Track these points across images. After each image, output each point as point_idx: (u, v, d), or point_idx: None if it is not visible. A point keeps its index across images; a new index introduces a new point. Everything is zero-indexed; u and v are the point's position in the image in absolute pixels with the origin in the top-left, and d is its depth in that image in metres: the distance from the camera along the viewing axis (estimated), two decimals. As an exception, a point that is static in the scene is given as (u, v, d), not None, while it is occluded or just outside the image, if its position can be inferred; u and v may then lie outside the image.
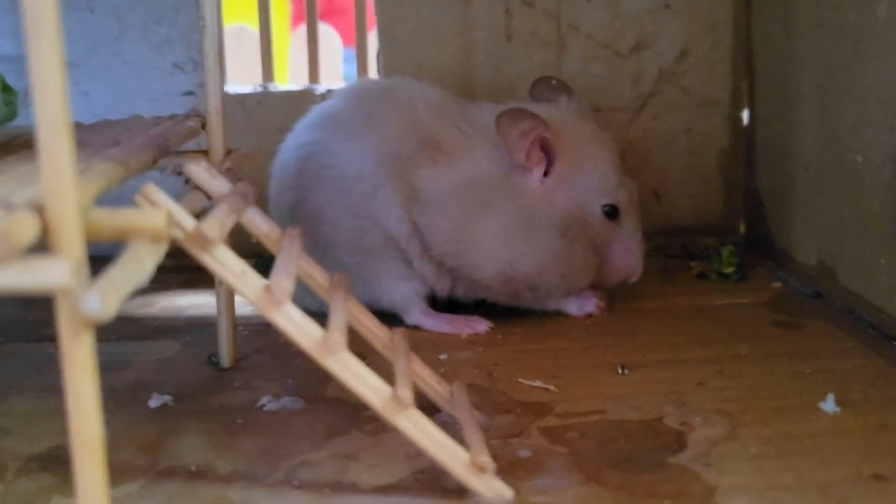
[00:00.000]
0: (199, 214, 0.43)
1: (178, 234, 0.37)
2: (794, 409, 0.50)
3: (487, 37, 0.79)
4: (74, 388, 0.31)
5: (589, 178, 0.64)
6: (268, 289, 0.38)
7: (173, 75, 0.77)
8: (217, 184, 0.45)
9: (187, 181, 0.46)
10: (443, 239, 0.62)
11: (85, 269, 0.31)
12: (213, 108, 0.55)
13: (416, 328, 0.65)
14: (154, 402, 0.53)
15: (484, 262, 0.62)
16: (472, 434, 0.42)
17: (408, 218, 0.63)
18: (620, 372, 0.56)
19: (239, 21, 1.05)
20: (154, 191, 0.37)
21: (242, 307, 0.62)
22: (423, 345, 0.61)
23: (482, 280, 0.64)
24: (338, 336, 0.39)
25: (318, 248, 0.64)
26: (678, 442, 0.46)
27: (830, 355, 0.58)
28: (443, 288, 0.66)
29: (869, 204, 0.60)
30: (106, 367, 0.57)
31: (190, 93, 0.78)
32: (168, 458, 0.46)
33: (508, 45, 0.79)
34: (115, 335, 0.64)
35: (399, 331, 0.49)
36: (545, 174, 0.63)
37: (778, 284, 0.73)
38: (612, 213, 0.64)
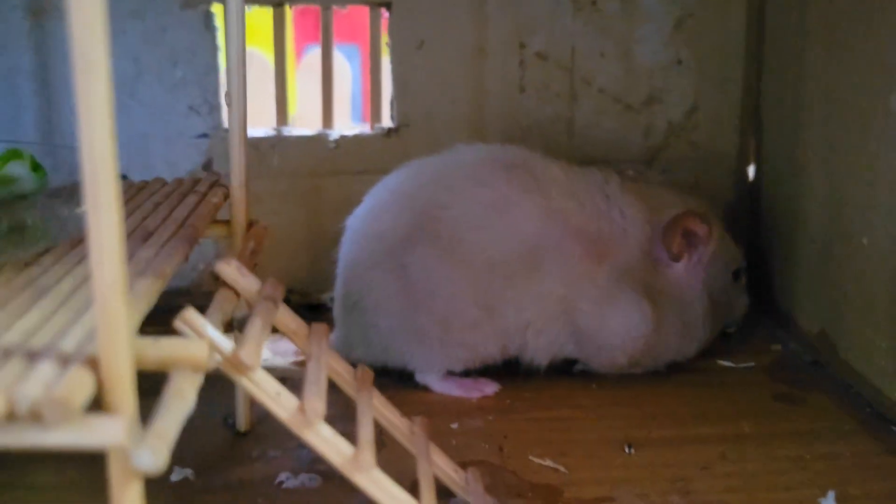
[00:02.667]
0: (230, 321, 0.44)
1: (217, 360, 0.39)
2: (797, 503, 0.52)
3: (501, 88, 0.80)
4: (124, 535, 0.33)
5: (723, 254, 0.69)
6: (301, 410, 0.40)
7: (188, 117, 0.78)
8: (246, 283, 0.46)
9: (217, 278, 0.47)
10: (618, 329, 0.65)
11: (137, 423, 0.32)
12: (237, 182, 0.56)
13: (424, 388, 0.66)
14: (175, 475, 0.54)
15: (666, 352, 0.67)
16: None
17: (543, 305, 0.64)
18: (627, 451, 0.58)
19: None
20: (195, 317, 0.38)
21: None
22: (435, 410, 0.63)
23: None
24: (367, 455, 0.40)
25: (393, 307, 0.65)
26: (686, 539, 0.48)
27: (831, 438, 0.59)
28: (496, 359, 0.67)
29: (873, 286, 0.62)
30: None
31: (205, 135, 0.78)
32: (192, 544, 0.48)
33: (521, 95, 0.80)
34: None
35: (419, 421, 0.50)
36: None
37: (778, 347, 0.75)
38: (738, 274, 0.71)
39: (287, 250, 0.81)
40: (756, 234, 0.83)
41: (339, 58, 1.14)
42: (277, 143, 0.79)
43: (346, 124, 1.13)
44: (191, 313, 0.38)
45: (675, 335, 0.67)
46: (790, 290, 0.76)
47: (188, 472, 0.54)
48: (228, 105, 0.55)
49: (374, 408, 0.48)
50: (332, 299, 0.81)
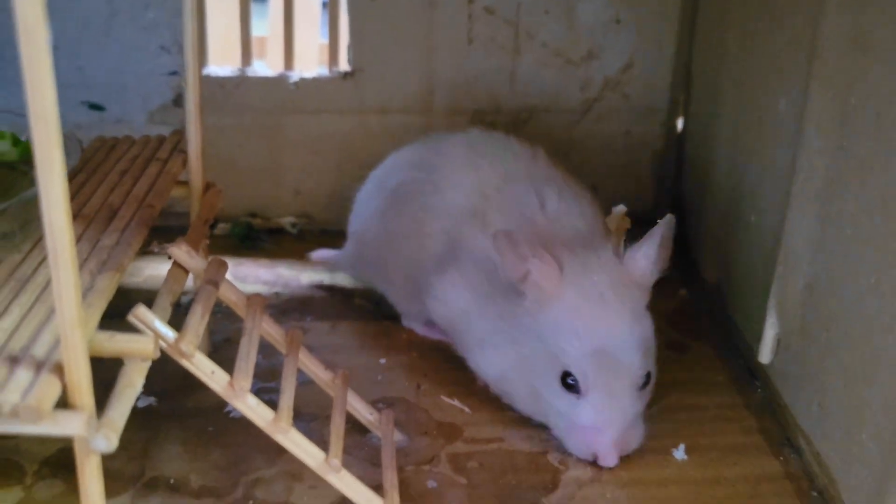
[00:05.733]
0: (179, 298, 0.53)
1: (163, 345, 0.48)
2: (654, 452, 0.61)
3: (449, 38, 0.86)
4: (86, 493, 0.43)
5: (560, 330, 0.58)
6: (231, 385, 0.49)
7: (160, 56, 0.84)
8: (195, 263, 0.55)
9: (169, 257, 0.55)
10: (446, 308, 0.68)
11: (93, 416, 0.41)
12: (194, 154, 0.64)
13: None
14: (142, 402, 0.64)
15: (472, 333, 0.66)
16: (388, 470, 0.55)
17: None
18: (525, 394, 0.67)
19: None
20: (145, 314, 0.47)
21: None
22: (368, 343, 0.73)
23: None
24: (284, 420, 0.50)
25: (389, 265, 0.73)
26: (553, 481, 0.59)
27: (701, 389, 0.69)
28: None
29: (753, 259, 0.71)
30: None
31: (174, 73, 0.85)
32: (152, 468, 0.58)
33: (469, 47, 0.86)
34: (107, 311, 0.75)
35: (341, 374, 0.60)
36: None
37: (684, 292, 0.84)
38: (569, 385, 0.57)
39: (251, 179, 0.89)
40: (679, 181, 0.91)
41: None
42: (241, 83, 0.86)
43: (316, 39, 1.19)
44: (141, 310, 0.47)
45: (504, 358, 0.63)
46: (699, 239, 0.85)
47: (152, 399, 0.65)
48: (184, 86, 0.62)
49: (302, 363, 0.58)
50: (292, 224, 0.91)
